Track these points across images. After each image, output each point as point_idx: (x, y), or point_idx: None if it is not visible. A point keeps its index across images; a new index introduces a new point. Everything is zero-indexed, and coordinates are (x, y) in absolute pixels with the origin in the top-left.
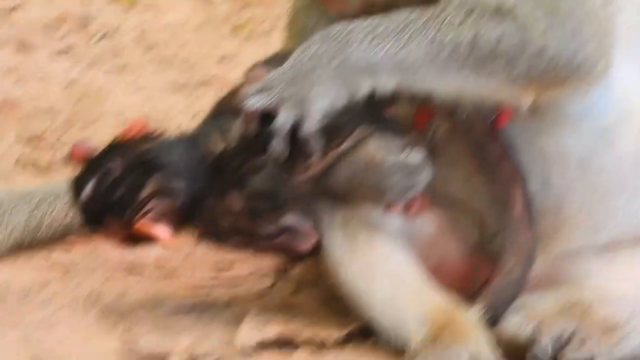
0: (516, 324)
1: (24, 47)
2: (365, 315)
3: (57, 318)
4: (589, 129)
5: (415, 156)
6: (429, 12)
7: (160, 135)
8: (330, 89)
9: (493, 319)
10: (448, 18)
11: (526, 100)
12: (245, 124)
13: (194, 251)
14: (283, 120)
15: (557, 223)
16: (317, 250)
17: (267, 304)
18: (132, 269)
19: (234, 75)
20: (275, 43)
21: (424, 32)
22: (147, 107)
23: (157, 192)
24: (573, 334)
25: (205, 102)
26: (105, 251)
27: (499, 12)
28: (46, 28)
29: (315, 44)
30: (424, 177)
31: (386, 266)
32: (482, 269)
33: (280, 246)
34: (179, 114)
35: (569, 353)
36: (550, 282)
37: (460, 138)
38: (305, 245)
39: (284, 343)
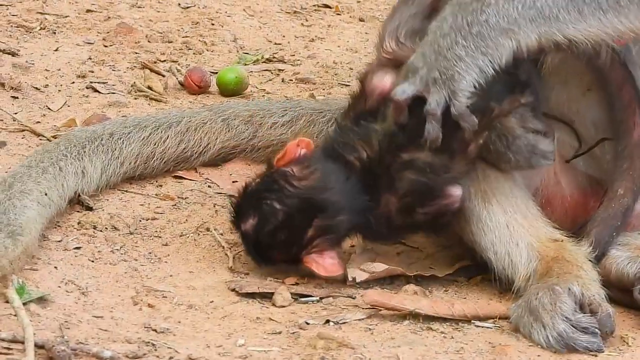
0: (623, 260)
1: None
2: (478, 248)
3: (166, 251)
4: None
5: (544, 143)
6: None
7: (313, 161)
8: (475, 61)
9: (601, 251)
10: None
11: None
12: (396, 114)
13: None
14: (435, 102)
15: None
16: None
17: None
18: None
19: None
20: None
21: None
22: (263, 32)
23: (321, 232)
24: None
25: (321, 27)
26: (216, 182)
27: None
28: None
29: (450, 16)
30: (548, 159)
31: (502, 199)
32: (594, 199)
33: (436, 213)
34: (296, 39)
35: None
36: None
37: (582, 64)
38: (456, 204)
39: (395, 277)
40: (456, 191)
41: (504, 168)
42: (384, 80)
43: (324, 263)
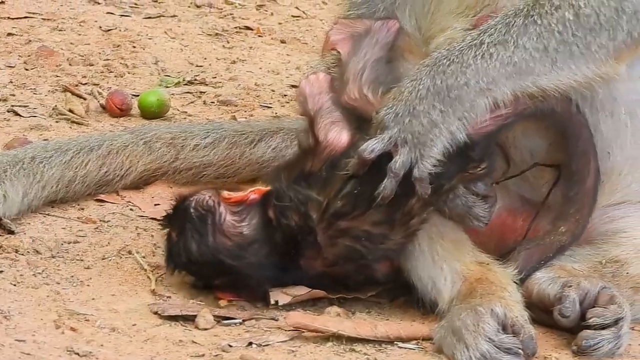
0: (545, 280)
1: None
2: (403, 271)
3: (88, 274)
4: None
5: (481, 208)
6: (521, 8)
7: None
8: (449, 126)
9: (526, 274)
10: (545, 6)
11: (620, 69)
12: (358, 169)
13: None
14: (401, 163)
15: (603, 173)
16: None
17: None
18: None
19: (271, 21)
20: None
21: (527, 28)
22: (185, 54)
23: (226, 284)
24: (602, 291)
25: (242, 49)
26: (138, 205)
27: None
28: None
29: (427, 78)
30: (480, 222)
31: (427, 225)
32: (523, 218)
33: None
34: (217, 61)
35: (596, 311)
36: (585, 238)
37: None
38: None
39: (317, 299)
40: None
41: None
42: (340, 137)
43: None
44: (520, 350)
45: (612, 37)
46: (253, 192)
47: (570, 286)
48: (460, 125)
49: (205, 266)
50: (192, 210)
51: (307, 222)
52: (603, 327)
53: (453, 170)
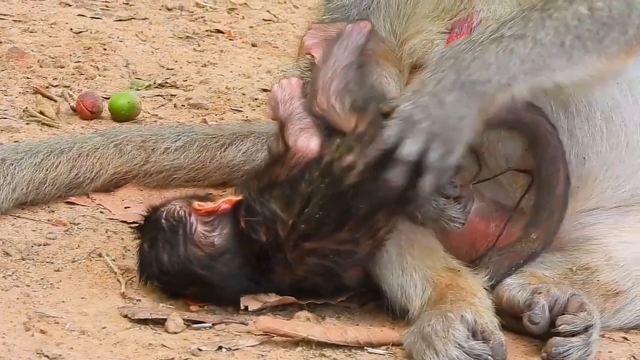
0: (515, 287)
1: None
2: (373, 277)
3: (58, 276)
4: (615, 82)
5: (454, 209)
6: (537, 4)
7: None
8: (474, 119)
9: (497, 281)
10: (559, 0)
11: (628, 64)
12: (405, 175)
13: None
14: (436, 156)
15: (578, 179)
16: None
17: None
18: (135, 227)
19: (242, 25)
20: None
21: (544, 22)
22: (156, 57)
23: (195, 293)
24: (572, 298)
25: (213, 52)
26: (108, 208)
27: None
28: None
29: (449, 72)
30: (456, 224)
31: (397, 233)
32: (496, 223)
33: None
34: (188, 64)
35: (566, 318)
36: (556, 245)
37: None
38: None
39: (287, 304)
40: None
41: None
42: (309, 144)
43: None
44: (489, 357)
45: (623, 32)
46: (224, 203)
47: (540, 293)
48: (480, 120)
49: (176, 277)
50: (163, 220)
51: (275, 240)
52: (573, 334)
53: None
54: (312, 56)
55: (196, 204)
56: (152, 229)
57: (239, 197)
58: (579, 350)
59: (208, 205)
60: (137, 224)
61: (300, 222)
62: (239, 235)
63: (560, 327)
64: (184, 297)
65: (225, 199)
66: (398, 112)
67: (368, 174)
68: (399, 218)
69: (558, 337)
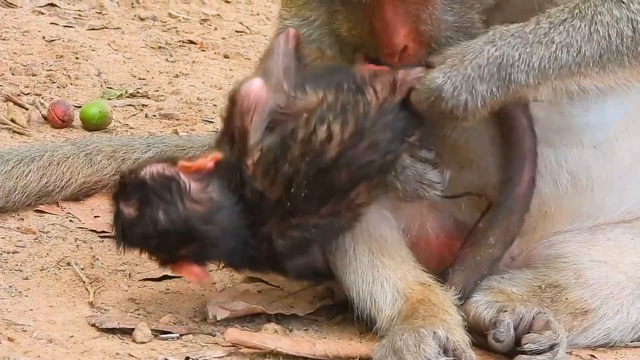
0: (482, 304)
1: (6, 2)
2: (342, 283)
3: (27, 284)
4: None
5: (432, 174)
6: (583, 10)
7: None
8: (493, 105)
9: (465, 296)
10: (606, 15)
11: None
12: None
13: None
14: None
15: (556, 205)
16: None
17: (235, 278)
18: (105, 236)
19: (215, 36)
20: (256, 8)
21: (591, 36)
22: (128, 67)
23: (193, 253)
24: (537, 316)
25: (185, 63)
26: (78, 217)
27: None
28: None
29: (492, 64)
30: (436, 190)
31: (370, 239)
32: (459, 241)
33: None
34: (160, 74)
35: (531, 337)
36: (526, 262)
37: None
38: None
39: (255, 315)
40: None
41: (393, 197)
42: (252, 84)
43: (193, 270)
44: None
45: None
46: (210, 160)
47: (505, 311)
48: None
49: (172, 235)
50: (150, 182)
51: (260, 212)
52: (538, 352)
53: (395, 142)
54: None
55: (182, 162)
56: (137, 192)
57: (221, 155)
58: None
59: (196, 163)
60: (113, 191)
61: (285, 201)
62: (233, 190)
63: (526, 346)
64: (174, 261)
65: (210, 156)
66: (429, 80)
67: (351, 140)
68: (378, 191)
69: (524, 355)
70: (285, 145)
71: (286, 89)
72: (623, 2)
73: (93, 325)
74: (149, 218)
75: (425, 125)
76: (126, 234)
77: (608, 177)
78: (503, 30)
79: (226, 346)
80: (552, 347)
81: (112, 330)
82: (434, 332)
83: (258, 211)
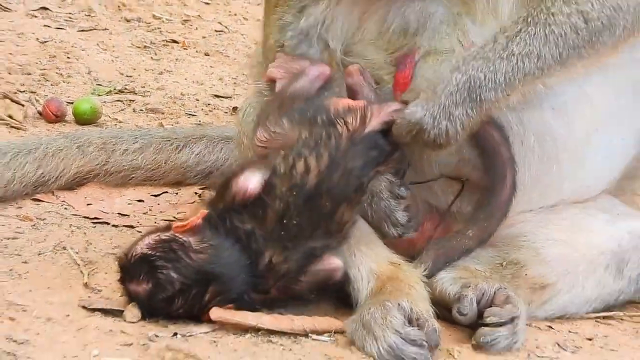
0: (447, 280)
1: (2, 6)
2: None
3: (26, 268)
4: (549, 104)
5: (400, 214)
6: (536, 16)
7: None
8: (472, 125)
9: (432, 273)
10: (557, 15)
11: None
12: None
13: (155, 206)
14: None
15: (527, 172)
16: None
17: None
18: (97, 222)
19: (197, 35)
20: (233, 9)
21: (547, 38)
22: (116, 65)
23: (217, 295)
24: (498, 291)
25: (169, 61)
26: (72, 205)
27: None
28: None
29: (463, 89)
30: (397, 230)
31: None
32: (430, 223)
33: (319, 283)
34: (146, 71)
35: (493, 310)
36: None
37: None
38: (338, 273)
39: None
40: (336, 260)
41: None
42: (250, 181)
43: (227, 315)
44: (424, 343)
45: (612, 34)
46: (198, 217)
47: (469, 287)
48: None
49: (191, 287)
50: (152, 251)
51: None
52: (500, 324)
53: (366, 167)
54: (273, 83)
55: (175, 224)
56: (141, 267)
57: (205, 211)
58: (506, 339)
59: (188, 222)
60: (118, 277)
61: (278, 233)
62: (225, 235)
63: (488, 319)
64: (204, 310)
65: (198, 213)
66: (408, 115)
67: (327, 170)
68: (359, 208)
69: (486, 328)
70: (270, 184)
71: (275, 118)
72: None
73: (84, 307)
74: (165, 281)
75: (395, 152)
76: (151, 307)
77: (570, 144)
78: (465, 55)
79: (211, 323)
80: (512, 320)
81: (104, 310)
82: (399, 304)
83: (255, 246)
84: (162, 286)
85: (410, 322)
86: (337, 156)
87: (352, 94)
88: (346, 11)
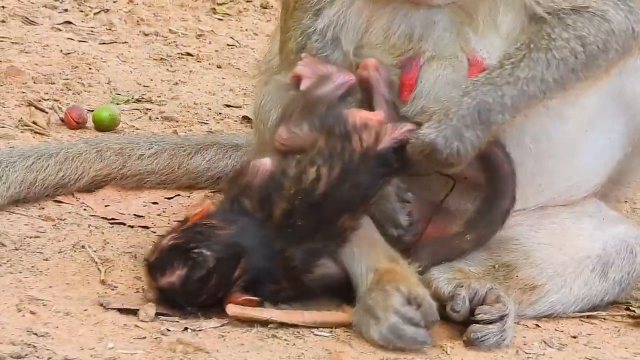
0: (442, 280)
1: (28, 20)
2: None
3: (47, 265)
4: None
5: (403, 217)
6: (537, 42)
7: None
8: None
9: (425, 270)
10: (557, 40)
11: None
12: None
13: (169, 208)
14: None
15: (521, 171)
16: None
17: None
18: (114, 222)
19: (210, 49)
20: (245, 25)
21: (549, 63)
22: (134, 76)
23: (245, 271)
24: (490, 291)
25: (184, 72)
26: (91, 206)
27: (579, 12)
28: (48, 4)
29: (473, 111)
30: (398, 230)
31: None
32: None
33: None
34: (162, 82)
35: (484, 309)
36: None
37: None
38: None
39: None
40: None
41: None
42: (265, 163)
43: (244, 297)
44: (422, 323)
45: (606, 57)
46: (208, 204)
47: (462, 286)
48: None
49: (226, 258)
50: (179, 242)
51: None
52: (490, 322)
53: (374, 182)
54: (299, 82)
55: (190, 215)
56: (169, 259)
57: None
58: (495, 336)
59: (200, 208)
60: (147, 279)
61: (284, 229)
62: (242, 215)
63: (479, 316)
64: (229, 296)
65: (204, 203)
66: (422, 136)
67: (336, 181)
68: (362, 216)
69: (477, 325)
70: (279, 183)
71: (295, 120)
72: (569, 25)
73: (101, 305)
74: (200, 260)
75: (403, 170)
76: (186, 295)
77: (562, 144)
78: (474, 80)
79: (220, 318)
80: (501, 318)
81: (120, 310)
82: (398, 287)
83: (266, 233)
84: (198, 265)
85: (409, 302)
86: (348, 170)
87: (367, 87)
88: (357, 14)
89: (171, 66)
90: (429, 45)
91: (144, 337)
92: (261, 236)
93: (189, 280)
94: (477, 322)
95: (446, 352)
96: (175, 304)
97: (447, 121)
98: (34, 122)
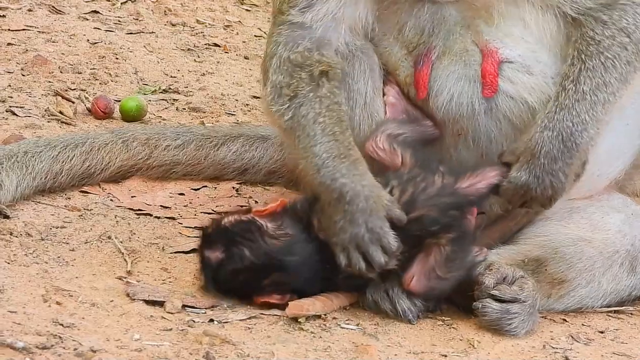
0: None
1: (56, 9)
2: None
3: (73, 255)
4: None
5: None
6: (586, 49)
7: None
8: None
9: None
10: (603, 42)
11: None
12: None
13: (195, 199)
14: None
15: None
16: None
17: None
18: (141, 213)
19: (237, 40)
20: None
21: (605, 64)
22: (161, 66)
23: (275, 283)
24: (517, 278)
25: (211, 63)
26: (117, 197)
27: (610, 7)
28: None
29: (556, 141)
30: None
31: None
32: None
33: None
34: (189, 73)
35: (501, 286)
36: (511, 238)
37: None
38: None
39: None
40: None
41: None
42: None
43: (274, 297)
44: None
45: None
46: (279, 205)
47: (492, 270)
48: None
49: (258, 268)
50: (232, 227)
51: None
52: (499, 300)
53: (441, 222)
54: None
55: (255, 209)
56: (221, 239)
57: (285, 200)
58: (496, 313)
59: (269, 207)
60: (198, 243)
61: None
62: (306, 226)
63: (493, 291)
64: (256, 292)
65: (278, 202)
66: (514, 179)
67: (403, 207)
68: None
69: (490, 299)
70: None
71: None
72: (606, 22)
73: (128, 295)
74: (237, 256)
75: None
76: (216, 275)
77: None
78: (547, 114)
79: (246, 310)
80: (514, 300)
81: (145, 300)
82: None
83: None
84: (233, 259)
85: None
86: (418, 198)
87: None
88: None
89: (198, 57)
90: (440, 40)
91: (170, 329)
92: (310, 257)
93: (222, 266)
94: (492, 296)
95: (473, 346)
96: (207, 278)
97: (535, 160)
98: (61, 112)
